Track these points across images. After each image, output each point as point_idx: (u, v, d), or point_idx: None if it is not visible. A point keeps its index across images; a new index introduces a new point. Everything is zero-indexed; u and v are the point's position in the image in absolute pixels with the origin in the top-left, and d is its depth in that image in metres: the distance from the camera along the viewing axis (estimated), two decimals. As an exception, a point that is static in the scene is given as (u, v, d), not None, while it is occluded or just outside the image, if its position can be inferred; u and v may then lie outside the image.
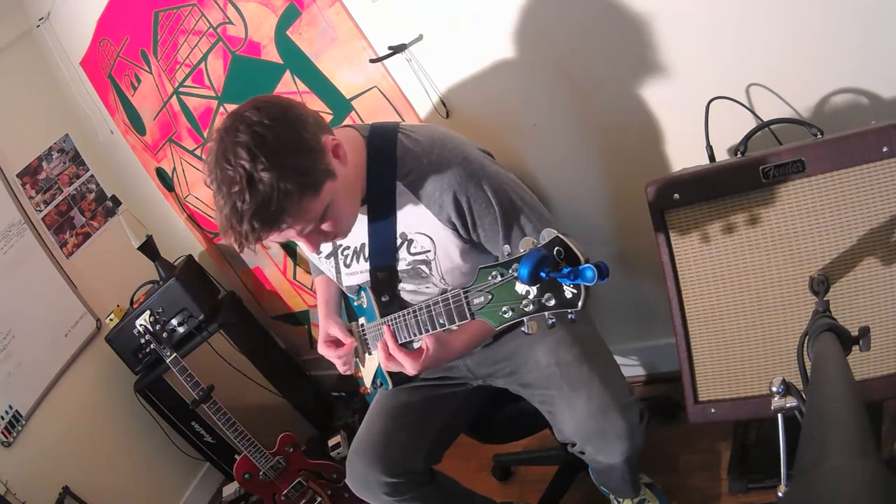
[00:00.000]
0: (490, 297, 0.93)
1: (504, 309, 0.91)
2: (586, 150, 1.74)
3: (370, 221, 1.27)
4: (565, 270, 0.80)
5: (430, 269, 1.29)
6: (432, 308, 1.10)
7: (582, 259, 0.81)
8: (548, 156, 1.79)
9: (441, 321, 1.09)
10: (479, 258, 1.29)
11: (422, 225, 1.25)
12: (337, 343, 1.45)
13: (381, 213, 1.26)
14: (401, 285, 1.34)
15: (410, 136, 1.25)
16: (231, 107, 2.27)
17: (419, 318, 1.14)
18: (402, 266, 1.31)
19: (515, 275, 0.86)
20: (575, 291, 0.83)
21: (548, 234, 0.84)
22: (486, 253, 1.30)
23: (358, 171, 1.23)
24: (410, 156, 1.22)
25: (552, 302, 0.85)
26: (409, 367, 1.19)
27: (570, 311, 0.84)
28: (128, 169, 2.83)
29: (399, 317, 1.21)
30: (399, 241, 1.28)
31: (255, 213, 1.01)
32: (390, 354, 1.20)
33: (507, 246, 0.92)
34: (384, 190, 1.24)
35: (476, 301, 0.96)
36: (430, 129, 1.28)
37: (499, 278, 0.91)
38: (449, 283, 1.30)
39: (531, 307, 0.87)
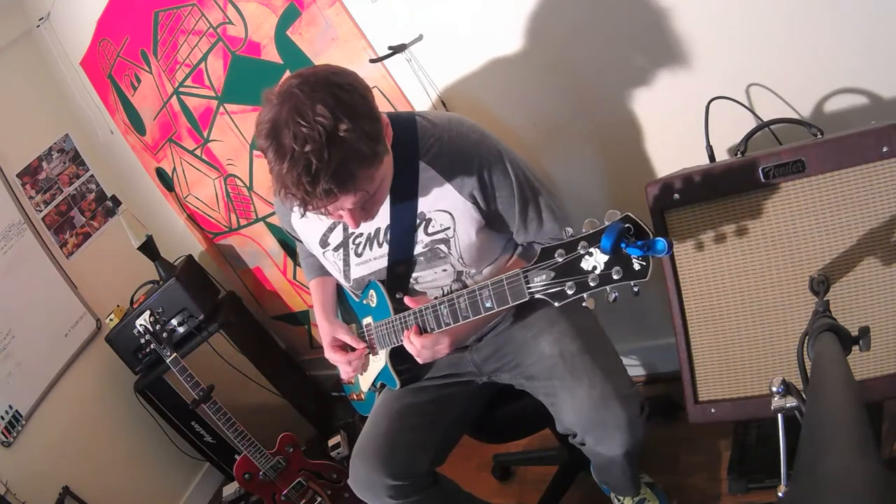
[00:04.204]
0: (553, 274, 0.97)
1: (569, 284, 0.95)
2: (586, 150, 1.74)
3: (392, 204, 1.28)
4: (639, 243, 0.87)
5: (449, 248, 1.30)
6: (478, 293, 1.09)
7: (651, 235, 0.87)
8: (547, 155, 1.79)
9: (488, 304, 1.09)
10: (493, 237, 1.33)
11: (443, 201, 1.27)
12: (345, 347, 1.45)
13: (404, 194, 1.27)
14: (414, 276, 1.34)
15: (428, 117, 1.29)
16: (231, 107, 2.27)
17: (457, 305, 1.13)
18: (418, 249, 1.31)
19: (597, 247, 0.91)
20: (644, 263, 0.89)
21: (614, 214, 0.89)
22: (502, 232, 1.34)
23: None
24: (430, 134, 1.26)
25: (619, 275, 0.90)
26: (444, 347, 1.24)
27: (635, 282, 0.89)
28: (128, 169, 2.83)
29: (427, 309, 1.22)
30: (417, 221, 1.29)
31: (334, 174, 1.00)
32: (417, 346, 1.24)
33: (569, 228, 0.96)
34: (407, 171, 1.25)
35: (536, 279, 0.99)
36: (445, 112, 1.33)
37: (565, 255, 0.95)
38: (466, 262, 1.31)
39: (597, 281, 0.92)
